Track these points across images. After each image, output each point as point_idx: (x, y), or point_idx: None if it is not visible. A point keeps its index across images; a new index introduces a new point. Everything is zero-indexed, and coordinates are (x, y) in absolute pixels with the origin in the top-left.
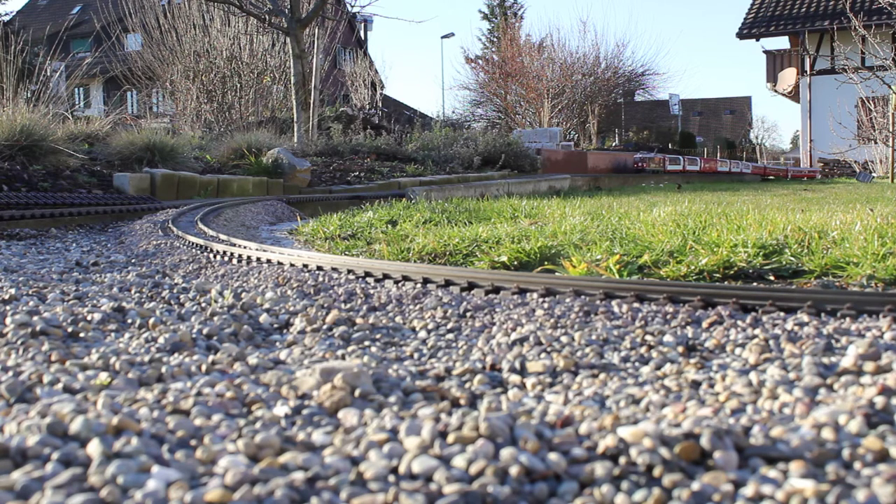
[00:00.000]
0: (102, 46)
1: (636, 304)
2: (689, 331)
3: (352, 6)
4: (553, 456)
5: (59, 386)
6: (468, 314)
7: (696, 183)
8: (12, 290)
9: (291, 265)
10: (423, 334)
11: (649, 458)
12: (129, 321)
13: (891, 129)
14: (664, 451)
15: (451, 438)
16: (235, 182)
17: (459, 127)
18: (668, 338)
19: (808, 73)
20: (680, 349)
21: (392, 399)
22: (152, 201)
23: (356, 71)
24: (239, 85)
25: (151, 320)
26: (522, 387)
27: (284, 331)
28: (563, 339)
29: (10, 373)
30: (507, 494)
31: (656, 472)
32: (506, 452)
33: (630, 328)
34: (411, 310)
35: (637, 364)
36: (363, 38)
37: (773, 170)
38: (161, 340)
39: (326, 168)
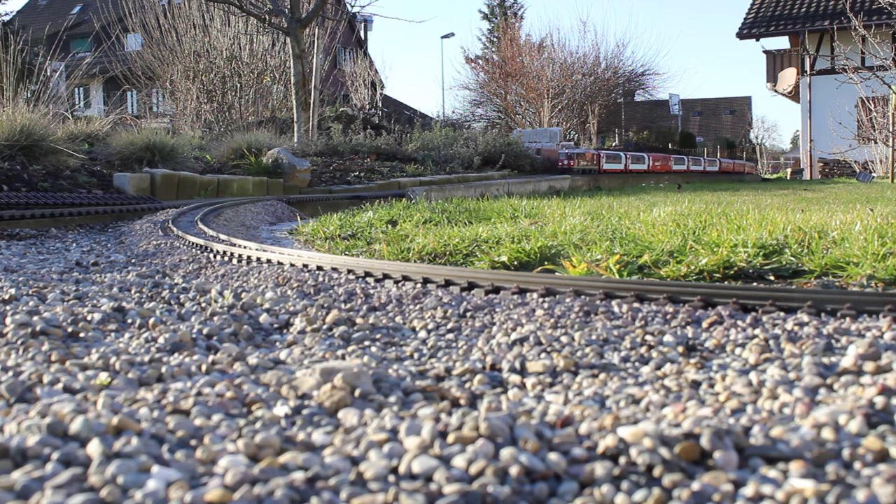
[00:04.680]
0: (102, 46)
1: (636, 304)
2: (689, 331)
3: (352, 6)
4: (553, 456)
5: (59, 386)
6: (468, 314)
7: (696, 183)
8: (12, 290)
9: (291, 265)
10: (423, 334)
11: (649, 458)
12: (129, 321)
13: (891, 129)
14: (664, 451)
15: (451, 438)
16: (235, 182)
17: (459, 127)
18: (668, 338)
19: (808, 73)
20: (680, 349)
21: (392, 399)
22: (152, 201)
23: (356, 71)
24: (239, 85)
25: (151, 320)
26: (522, 387)
27: (284, 331)
28: (563, 339)
29: (10, 373)
30: (507, 494)
31: (656, 472)
32: (506, 452)
33: (630, 328)
34: (411, 310)
35: (637, 364)
36: (363, 38)
37: (729, 164)
38: (161, 340)
39: (326, 168)
